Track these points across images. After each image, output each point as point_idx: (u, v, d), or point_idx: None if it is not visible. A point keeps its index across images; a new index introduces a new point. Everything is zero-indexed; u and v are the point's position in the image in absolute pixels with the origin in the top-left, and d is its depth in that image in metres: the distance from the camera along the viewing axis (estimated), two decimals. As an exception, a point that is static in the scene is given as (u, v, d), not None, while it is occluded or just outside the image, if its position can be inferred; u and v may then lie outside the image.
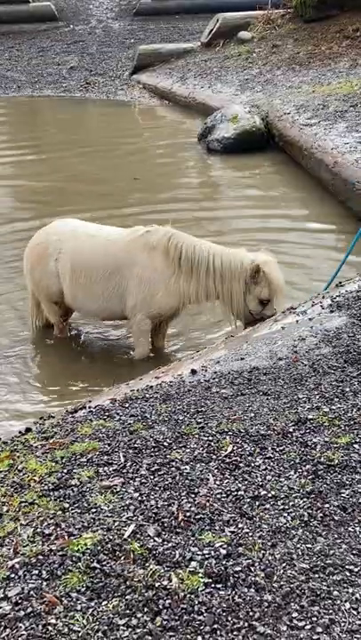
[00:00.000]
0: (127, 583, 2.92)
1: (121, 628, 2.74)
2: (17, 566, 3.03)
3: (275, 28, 18.17)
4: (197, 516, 3.29)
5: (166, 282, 6.36)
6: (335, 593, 2.88)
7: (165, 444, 3.87)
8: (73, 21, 23.60)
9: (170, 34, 21.89)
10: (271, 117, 13.08)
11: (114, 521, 3.26)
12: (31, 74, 20.26)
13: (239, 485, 3.51)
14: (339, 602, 2.84)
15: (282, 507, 3.36)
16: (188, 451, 3.80)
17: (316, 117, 12.07)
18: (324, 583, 2.92)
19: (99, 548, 3.09)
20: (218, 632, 2.72)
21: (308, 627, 2.74)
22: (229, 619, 2.77)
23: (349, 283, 6.14)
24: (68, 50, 21.73)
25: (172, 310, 6.55)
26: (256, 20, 18.70)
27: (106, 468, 3.69)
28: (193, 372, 4.81)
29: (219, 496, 3.43)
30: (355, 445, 3.78)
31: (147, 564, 3.01)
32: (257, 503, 3.39)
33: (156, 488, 3.50)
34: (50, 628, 2.74)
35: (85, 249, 6.60)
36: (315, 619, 2.77)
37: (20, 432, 4.26)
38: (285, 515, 3.30)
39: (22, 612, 2.81)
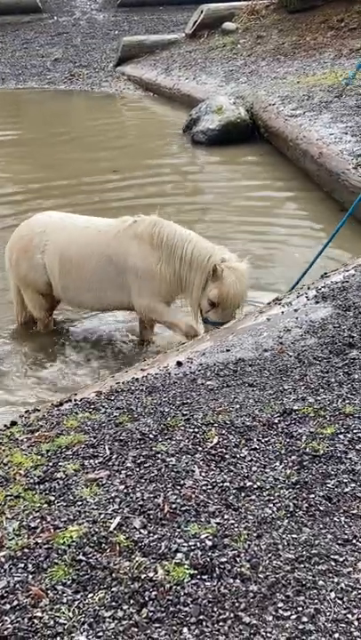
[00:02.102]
0: (113, 575, 2.92)
1: (107, 620, 2.74)
2: (2, 560, 3.02)
3: (259, 19, 18.14)
4: (183, 508, 3.30)
5: (155, 269, 6.35)
6: (320, 583, 2.89)
7: (151, 436, 3.86)
8: (57, 13, 23.50)
9: (154, 25, 21.82)
10: (256, 108, 13.07)
11: (99, 513, 3.26)
12: (15, 66, 20.17)
13: (225, 477, 3.51)
14: (324, 591, 2.85)
15: (267, 497, 3.36)
16: (173, 443, 3.80)
17: (301, 108, 12.06)
18: (310, 573, 2.93)
19: (84, 540, 3.09)
20: (204, 623, 2.73)
21: (293, 617, 2.75)
22: (215, 609, 2.78)
23: (334, 273, 6.15)
24: (52, 42, 21.64)
25: (169, 295, 6.52)
26: (240, 10, 18.66)
27: (91, 461, 3.68)
28: (179, 364, 4.81)
29: (204, 487, 3.43)
30: (340, 436, 3.79)
31: (132, 557, 3.01)
32: (243, 494, 3.39)
33: (142, 480, 3.50)
34: (36, 621, 2.74)
35: (74, 240, 6.59)
36: (300, 609, 2.78)
37: (5, 425, 4.24)
38: (271, 505, 3.31)
39: (8, 606, 2.81)
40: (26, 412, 4.53)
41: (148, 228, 6.39)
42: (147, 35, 20.45)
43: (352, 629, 2.70)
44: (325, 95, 12.34)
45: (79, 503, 3.35)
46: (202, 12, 18.85)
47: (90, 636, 2.68)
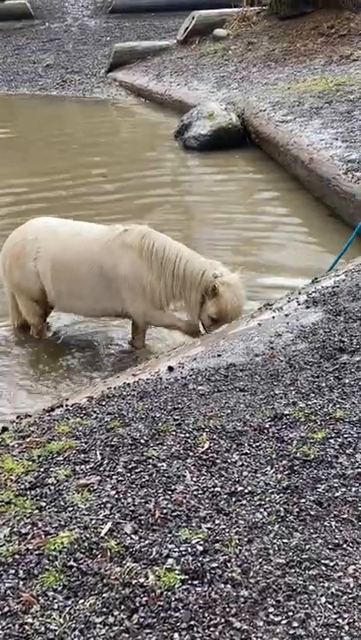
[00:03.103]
0: (104, 581, 2.92)
1: (98, 626, 2.74)
2: (-7, 566, 3.02)
3: (250, 26, 18.16)
4: (174, 513, 3.30)
5: (144, 280, 6.36)
6: (311, 587, 2.90)
7: (142, 441, 3.87)
8: (49, 19, 23.47)
9: (146, 31, 21.82)
10: (247, 114, 13.10)
11: (91, 519, 3.26)
12: (7, 72, 20.15)
13: (216, 482, 3.52)
14: (315, 596, 2.86)
15: (258, 502, 3.37)
16: (164, 448, 3.80)
17: (292, 114, 12.09)
18: (301, 578, 2.94)
19: (75, 546, 3.09)
20: (194, 628, 2.73)
21: (284, 622, 2.75)
22: (206, 615, 2.78)
23: (325, 278, 6.16)
24: (43, 48, 21.62)
25: (161, 304, 6.52)
26: (231, 17, 18.67)
27: (83, 467, 3.68)
28: (170, 369, 4.82)
29: (195, 493, 3.44)
30: (330, 440, 3.80)
31: (123, 562, 3.01)
32: (233, 499, 3.40)
33: (133, 485, 3.50)
34: (26, 627, 2.74)
35: (66, 247, 6.59)
36: (291, 613, 2.78)
37: (-4, 431, 4.24)
38: (262, 510, 3.32)
39: (-1, 612, 2.80)
40: (17, 417, 4.52)
41: (137, 238, 6.39)
42: (138, 41, 20.46)
43: (343, 634, 2.71)
44: (316, 101, 12.37)
45: (70, 509, 3.35)
46: (193, 18, 18.87)
47: (81, 642, 2.68)
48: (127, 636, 2.70)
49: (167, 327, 6.76)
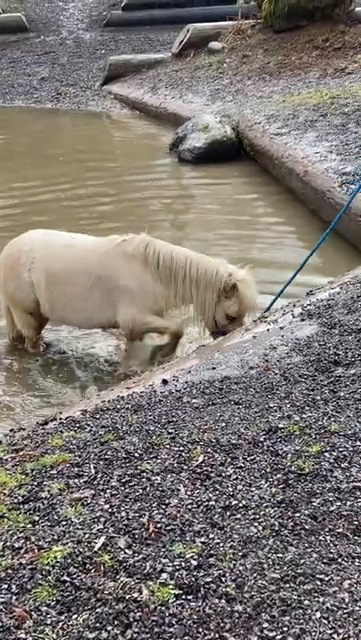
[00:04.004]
0: (97, 596, 2.89)
1: (91, 641, 2.71)
2: (-14, 581, 3.00)
3: (245, 39, 18.26)
4: (168, 527, 3.28)
5: (148, 288, 6.36)
6: (306, 602, 2.88)
7: (136, 454, 3.85)
8: (44, 32, 23.57)
9: (140, 44, 21.92)
10: (242, 127, 13.14)
11: (84, 533, 3.24)
12: (2, 85, 20.22)
13: (210, 495, 3.50)
14: (309, 611, 2.84)
15: (253, 516, 3.35)
16: (158, 461, 3.79)
17: (287, 127, 12.13)
18: (295, 593, 2.92)
19: (69, 561, 3.07)
20: (189, 644, 2.71)
21: (278, 637, 2.73)
22: (200, 630, 2.76)
23: (320, 291, 6.16)
24: (38, 61, 21.70)
25: (158, 312, 6.54)
26: (226, 30, 18.78)
27: (76, 480, 3.66)
28: (164, 382, 4.80)
29: (190, 506, 3.42)
30: (325, 454, 3.78)
31: (117, 577, 2.99)
32: (228, 513, 3.38)
33: (127, 499, 3.48)
34: (19, 642, 2.71)
35: (61, 258, 6.57)
36: (286, 629, 2.76)
37: (-11, 445, 4.22)
38: (256, 524, 3.30)
39: (-9, 628, 2.78)
40: (10, 430, 4.50)
41: (139, 247, 6.38)
42: (133, 54, 20.55)
43: (338, 649, 2.69)
44: (311, 114, 12.42)
45: (64, 523, 3.32)
46: (188, 31, 18.96)
47: (74, 658, 2.65)
48: (121, 651, 2.68)
49: (157, 331, 6.72)
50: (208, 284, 6.29)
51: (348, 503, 3.43)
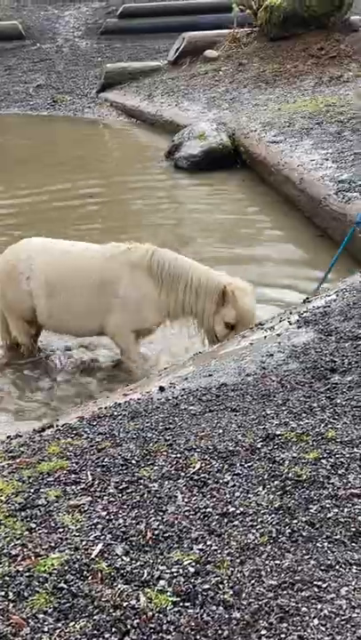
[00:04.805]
0: (95, 603, 2.89)
1: (89, 648, 2.71)
2: (-17, 588, 2.99)
3: (241, 47, 18.31)
4: (166, 534, 3.27)
5: (150, 298, 6.37)
6: (304, 609, 2.87)
7: (133, 461, 3.85)
8: (40, 40, 23.62)
9: (136, 52, 21.97)
10: (238, 135, 13.17)
11: (81, 540, 3.23)
12: (-2, 92, 20.25)
13: (207, 502, 3.49)
14: (307, 618, 2.83)
15: (250, 523, 3.34)
16: (156, 468, 3.78)
17: (283, 135, 12.16)
18: (293, 600, 2.91)
19: (66, 568, 3.06)
20: (186, 651, 2.70)
21: (277, 644, 2.73)
22: (198, 637, 2.75)
23: (316, 298, 6.17)
24: (34, 68, 21.73)
25: (155, 325, 6.60)
26: (222, 38, 18.82)
27: (73, 487, 3.65)
28: (161, 389, 4.80)
29: (187, 513, 3.41)
30: (322, 461, 3.78)
31: (115, 584, 2.98)
32: (225, 520, 3.38)
33: (124, 506, 3.48)
34: (16, 650, 2.70)
35: (61, 266, 6.57)
36: (283, 636, 2.75)
37: (-14, 452, 4.21)
38: (254, 531, 3.29)
39: (-12, 635, 2.77)
40: (7, 437, 4.49)
41: (145, 256, 6.40)
42: (129, 62, 20.59)
43: (336, 656, 2.69)
44: (306, 122, 12.46)
45: (61, 530, 3.32)
46: (184, 39, 19.01)
47: (71, 666, 2.65)
48: (118, 659, 2.67)
49: (126, 353, 6.76)
50: (207, 295, 6.32)
51: (346, 510, 3.42)
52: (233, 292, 6.25)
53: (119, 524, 3.34)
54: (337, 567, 3.09)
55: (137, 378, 6.42)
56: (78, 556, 3.12)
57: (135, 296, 6.39)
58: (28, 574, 3.03)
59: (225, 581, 3.00)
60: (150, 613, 2.83)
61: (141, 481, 3.67)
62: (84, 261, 6.58)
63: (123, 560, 3.11)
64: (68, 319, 6.65)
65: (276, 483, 3.63)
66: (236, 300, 6.25)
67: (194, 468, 3.76)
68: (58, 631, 2.78)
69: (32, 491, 3.64)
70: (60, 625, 2.80)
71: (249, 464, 3.79)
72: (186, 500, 3.51)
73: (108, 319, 6.49)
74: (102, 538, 3.25)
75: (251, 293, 6.39)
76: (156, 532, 3.28)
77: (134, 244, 6.54)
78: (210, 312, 6.34)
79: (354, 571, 3.06)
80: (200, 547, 3.20)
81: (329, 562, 3.12)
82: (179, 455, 3.88)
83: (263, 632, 2.77)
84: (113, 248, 6.58)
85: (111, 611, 2.84)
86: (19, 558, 3.14)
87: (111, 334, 6.64)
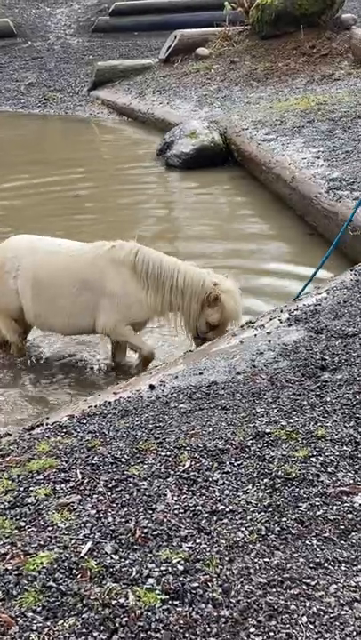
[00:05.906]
0: (84, 602, 2.88)
1: (77, 647, 2.71)
2: (-29, 587, 2.98)
3: (232, 45, 18.29)
4: (155, 533, 3.27)
5: (136, 295, 6.37)
6: (292, 607, 2.88)
7: (123, 459, 3.85)
8: (31, 38, 23.52)
9: (128, 50, 21.92)
10: (230, 133, 13.16)
11: (70, 539, 3.23)
12: (-11, 90, 20.19)
13: (197, 500, 3.50)
14: (296, 616, 2.84)
15: (240, 521, 3.35)
16: (145, 466, 3.78)
17: (274, 133, 12.16)
18: (282, 597, 2.91)
19: (55, 566, 3.06)
20: (175, 649, 2.70)
21: (265, 642, 2.73)
22: (187, 635, 2.75)
23: (307, 297, 6.18)
24: (26, 66, 21.66)
25: (144, 321, 6.60)
26: (214, 36, 18.80)
27: (63, 486, 3.65)
28: (151, 387, 4.80)
29: (176, 512, 3.42)
30: (312, 459, 3.79)
31: (103, 582, 2.98)
32: (215, 518, 3.38)
33: (114, 505, 3.48)
34: (5, 649, 2.70)
35: (48, 265, 6.56)
36: (272, 633, 2.76)
37: (-25, 450, 4.20)
38: (243, 529, 3.30)
39: (-23, 634, 2.77)
40: (-3, 436, 4.49)
41: (129, 254, 6.38)
42: (121, 60, 20.54)
43: (324, 654, 2.69)
44: (298, 120, 12.46)
45: (50, 528, 3.32)
46: (175, 37, 18.98)
47: (60, 664, 2.64)
48: (107, 657, 2.67)
49: (130, 346, 6.76)
50: (193, 295, 6.31)
51: (335, 508, 3.43)
52: (219, 297, 6.23)
53: (108, 523, 3.34)
54: (326, 565, 3.10)
55: (148, 351, 6.54)
56: (67, 555, 3.12)
57: (122, 293, 6.39)
58: (17, 573, 3.03)
59: (214, 579, 3.00)
60: (139, 611, 2.83)
61: (131, 479, 3.67)
62: (71, 260, 6.57)
63: (112, 558, 3.12)
64: (54, 317, 6.63)
65: (265, 481, 3.63)
66: (222, 305, 6.25)
67: (183, 466, 3.76)
68: (47, 630, 2.77)
69: (21, 489, 3.63)
70: (48, 623, 2.80)
71: (239, 462, 3.80)
72: (175, 498, 3.52)
73: (99, 318, 6.48)
74: (91, 536, 3.25)
75: (237, 294, 6.37)
76: (146, 531, 3.28)
77: (119, 242, 6.53)
78: (195, 311, 6.34)
79: (343, 568, 3.07)
80: (189, 545, 3.20)
81: (318, 559, 3.12)
82: (168, 453, 3.88)
83: (252, 630, 2.78)
84: (97, 247, 6.57)
85: (100, 609, 2.84)
86: (7, 557, 3.14)
87: (107, 332, 6.62)
